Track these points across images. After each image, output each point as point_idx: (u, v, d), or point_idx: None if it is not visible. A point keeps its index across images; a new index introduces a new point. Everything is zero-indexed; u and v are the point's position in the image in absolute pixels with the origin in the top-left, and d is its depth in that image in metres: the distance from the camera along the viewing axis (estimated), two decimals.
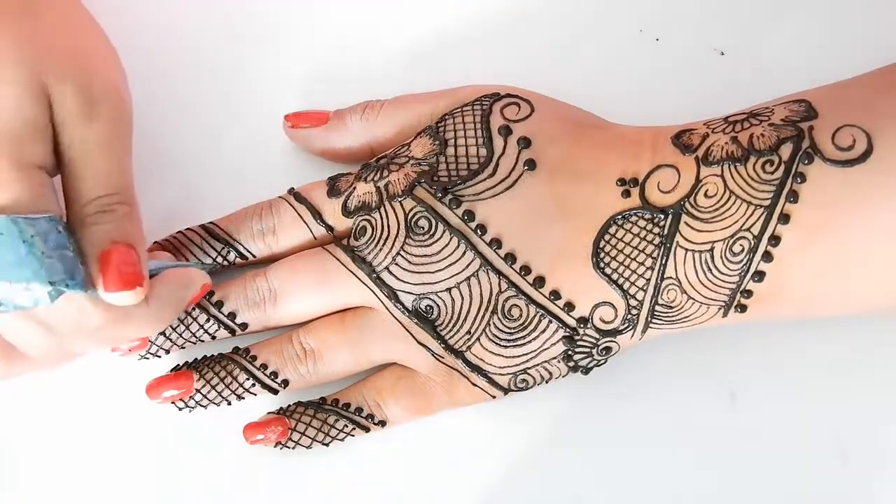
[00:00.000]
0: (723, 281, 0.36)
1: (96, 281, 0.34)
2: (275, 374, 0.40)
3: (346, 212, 0.40)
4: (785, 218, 0.35)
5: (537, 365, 0.38)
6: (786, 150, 0.35)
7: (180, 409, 0.40)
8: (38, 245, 0.33)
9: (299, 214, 0.41)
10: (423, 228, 0.38)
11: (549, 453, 0.41)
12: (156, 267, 0.37)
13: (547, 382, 0.39)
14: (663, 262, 0.37)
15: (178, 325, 0.40)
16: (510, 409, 0.41)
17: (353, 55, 0.45)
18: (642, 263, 0.37)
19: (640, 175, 0.37)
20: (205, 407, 0.40)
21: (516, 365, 0.38)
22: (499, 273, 0.37)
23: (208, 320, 0.40)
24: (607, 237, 0.37)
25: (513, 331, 0.38)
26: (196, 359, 0.41)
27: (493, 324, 0.38)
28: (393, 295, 0.38)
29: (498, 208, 0.38)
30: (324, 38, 0.46)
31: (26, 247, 0.32)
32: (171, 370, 0.41)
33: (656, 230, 0.37)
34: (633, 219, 0.37)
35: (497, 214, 0.38)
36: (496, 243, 0.37)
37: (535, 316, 0.38)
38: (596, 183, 0.38)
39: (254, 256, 0.41)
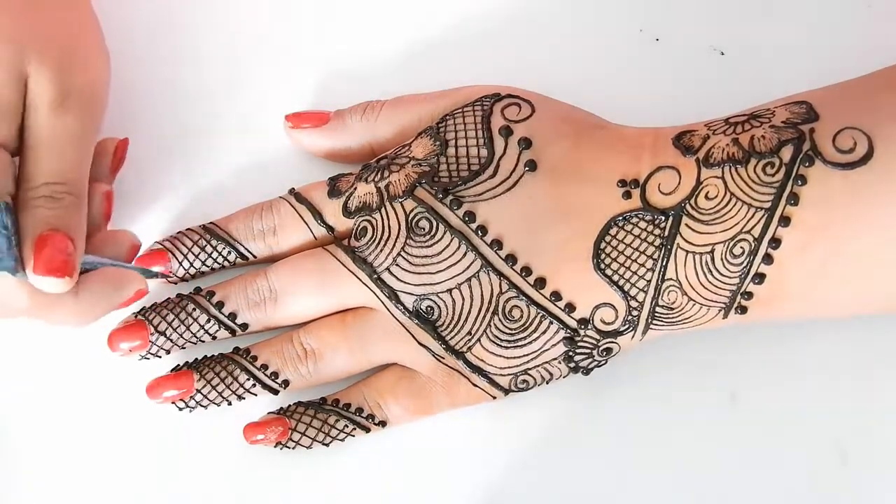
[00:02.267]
0: (723, 283, 0.36)
1: (27, 263, 0.34)
2: (275, 375, 0.40)
3: (347, 212, 0.40)
4: (785, 220, 0.35)
5: (538, 366, 0.38)
6: (787, 153, 0.35)
7: (180, 409, 0.40)
8: None
9: (300, 215, 0.41)
10: (424, 229, 0.38)
11: (549, 453, 0.41)
12: (94, 262, 0.37)
13: (547, 383, 0.39)
14: (664, 263, 0.37)
15: (179, 326, 0.40)
16: (511, 410, 0.41)
17: (353, 55, 0.45)
18: (643, 265, 0.37)
19: (640, 176, 0.37)
20: (205, 407, 0.40)
21: (517, 366, 0.38)
22: (500, 274, 0.37)
23: (209, 321, 0.40)
24: (608, 238, 0.37)
25: (513, 332, 0.38)
26: (196, 359, 0.41)
27: (494, 325, 0.38)
28: (393, 295, 0.38)
29: (499, 209, 0.38)
30: (324, 39, 0.46)
31: None
32: (172, 370, 0.41)
33: (657, 232, 0.37)
34: (634, 220, 0.37)
35: (498, 215, 0.38)
36: (497, 244, 0.37)
37: (535, 317, 0.38)
38: (597, 184, 0.38)
39: (254, 256, 0.41)
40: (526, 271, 0.37)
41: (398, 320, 0.39)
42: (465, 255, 0.38)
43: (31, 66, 0.36)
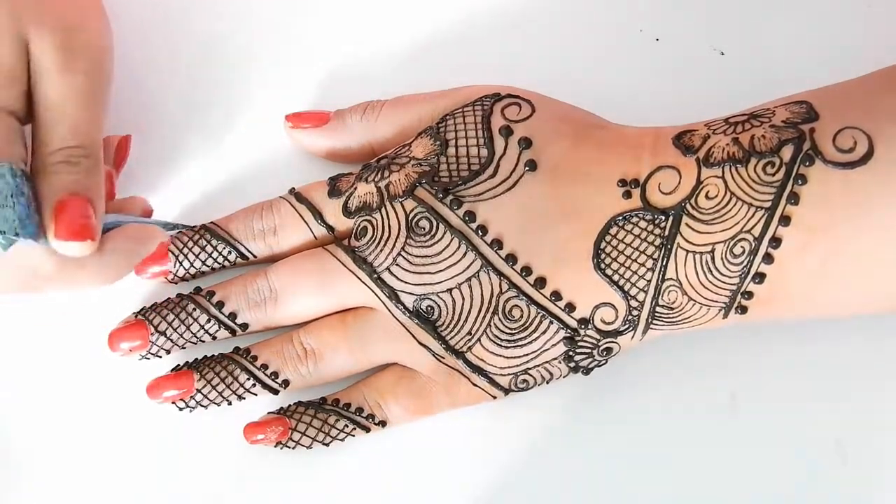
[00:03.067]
0: (723, 282, 0.36)
1: (48, 229, 0.34)
2: (275, 375, 0.40)
3: (347, 212, 0.40)
4: (786, 220, 0.35)
5: (538, 365, 0.38)
6: (787, 152, 0.35)
7: (181, 409, 0.40)
8: None
9: (300, 214, 0.41)
10: (424, 229, 0.38)
11: (549, 453, 0.41)
12: (115, 221, 0.37)
13: (548, 383, 0.39)
14: (664, 263, 0.37)
15: (179, 326, 0.40)
16: (511, 410, 0.41)
17: (353, 55, 0.45)
18: (643, 265, 0.37)
19: (640, 176, 0.37)
20: (205, 407, 0.40)
21: (517, 365, 0.38)
22: (500, 274, 0.37)
23: (209, 321, 0.40)
24: (608, 238, 0.37)
25: (514, 331, 0.38)
26: (196, 359, 0.41)
27: (494, 324, 0.38)
28: (394, 295, 0.38)
29: (499, 209, 0.38)
30: (324, 39, 0.46)
31: None
32: (172, 370, 0.41)
33: (657, 231, 0.37)
34: (634, 220, 0.37)
35: (498, 215, 0.38)
36: (497, 244, 0.37)
37: (535, 317, 0.38)
38: (597, 184, 0.38)
39: (254, 256, 0.41)
40: (526, 271, 0.37)
41: (398, 320, 0.39)
42: (465, 254, 0.38)
43: (30, 31, 0.36)
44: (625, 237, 0.37)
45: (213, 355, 0.41)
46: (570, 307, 0.38)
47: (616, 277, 0.37)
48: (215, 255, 0.41)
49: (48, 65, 0.36)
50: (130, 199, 0.40)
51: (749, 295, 0.37)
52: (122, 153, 0.41)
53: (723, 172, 0.36)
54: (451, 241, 0.38)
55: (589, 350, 0.38)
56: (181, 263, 0.41)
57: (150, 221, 0.39)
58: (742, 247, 0.36)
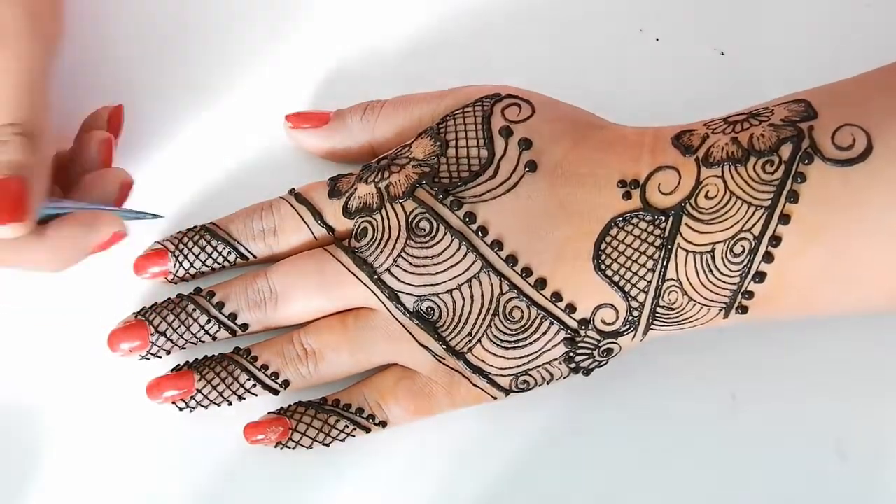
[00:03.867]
0: (724, 282, 0.36)
1: None
2: (276, 375, 0.40)
3: (347, 213, 0.40)
4: (785, 218, 0.35)
5: (539, 366, 0.38)
6: (786, 151, 0.35)
7: (181, 409, 0.40)
8: None
9: (300, 215, 0.41)
10: (425, 230, 0.38)
11: (550, 453, 0.41)
12: (70, 207, 0.37)
13: (548, 383, 0.39)
14: (664, 263, 0.37)
15: (179, 326, 0.40)
16: (511, 410, 0.41)
17: (353, 55, 0.45)
18: (643, 265, 0.37)
19: (640, 177, 0.37)
20: (205, 407, 0.40)
21: (518, 366, 0.38)
22: (500, 275, 0.37)
23: (209, 321, 0.40)
24: (608, 239, 0.37)
25: (514, 332, 0.38)
26: (196, 359, 0.41)
27: (495, 325, 0.38)
28: (394, 296, 0.38)
29: (499, 210, 0.38)
30: (324, 39, 0.46)
31: None
32: (172, 370, 0.41)
33: (657, 232, 0.37)
34: (634, 220, 0.37)
35: (498, 216, 0.38)
36: (497, 245, 0.37)
37: (536, 318, 0.38)
38: (597, 184, 0.38)
39: (254, 257, 0.41)
40: (526, 272, 0.37)
41: (399, 321, 0.39)
42: (465, 255, 0.38)
43: None
44: (625, 238, 0.37)
45: (213, 355, 0.41)
46: (571, 308, 0.38)
47: (616, 278, 0.37)
48: (215, 255, 0.41)
49: None
50: (108, 169, 0.39)
51: (750, 294, 0.37)
52: (115, 122, 0.41)
53: (722, 172, 0.36)
54: (452, 241, 0.38)
55: (589, 351, 0.38)
56: (181, 264, 0.41)
57: (114, 210, 0.38)
58: (742, 246, 0.36)
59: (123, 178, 0.39)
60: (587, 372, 0.39)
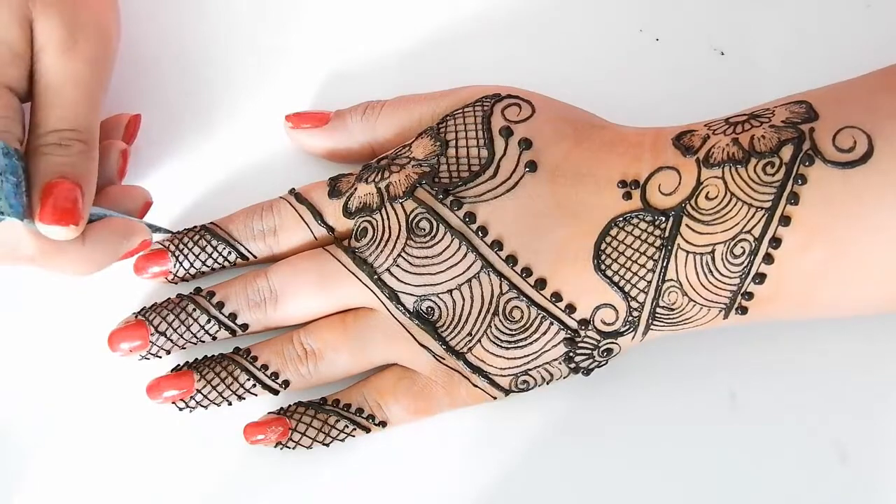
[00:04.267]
0: (724, 283, 0.36)
1: (35, 210, 0.34)
2: (275, 375, 0.40)
3: (347, 213, 0.40)
4: (786, 220, 0.35)
5: (538, 366, 0.38)
6: (787, 152, 0.35)
7: (181, 409, 0.40)
8: None
9: (300, 215, 0.41)
10: (425, 230, 0.38)
11: (550, 453, 0.41)
12: (102, 213, 0.37)
13: (548, 383, 0.39)
14: (664, 264, 0.37)
15: (179, 326, 0.40)
16: (511, 410, 0.41)
17: (353, 55, 0.45)
18: (643, 265, 0.37)
19: (641, 177, 0.37)
20: (205, 407, 0.40)
21: (517, 366, 0.38)
22: (500, 275, 0.37)
23: (209, 321, 0.40)
24: (608, 239, 0.37)
25: (514, 332, 0.38)
26: (196, 359, 0.41)
27: (495, 325, 0.38)
28: (394, 296, 0.38)
29: (499, 210, 0.38)
30: (324, 39, 0.46)
31: None
32: (172, 370, 0.41)
33: (657, 232, 0.37)
34: (635, 221, 0.37)
35: (498, 216, 0.38)
36: (497, 245, 0.37)
37: (536, 318, 0.38)
38: (597, 185, 0.38)
39: (254, 257, 0.41)
40: (526, 272, 0.37)
41: (398, 321, 0.39)
42: (465, 255, 0.38)
43: (35, 8, 0.36)
44: (625, 238, 0.37)
45: (213, 355, 0.41)
46: (571, 308, 0.38)
47: (616, 278, 0.37)
48: (215, 255, 0.41)
49: (51, 45, 0.36)
50: (132, 187, 0.40)
51: (749, 295, 0.37)
52: (131, 130, 0.42)
53: (723, 173, 0.36)
54: (452, 241, 0.38)
55: (589, 351, 0.38)
56: (181, 263, 0.41)
57: (137, 220, 0.39)
58: (742, 247, 0.36)
59: (146, 198, 0.40)
60: (587, 372, 0.39)
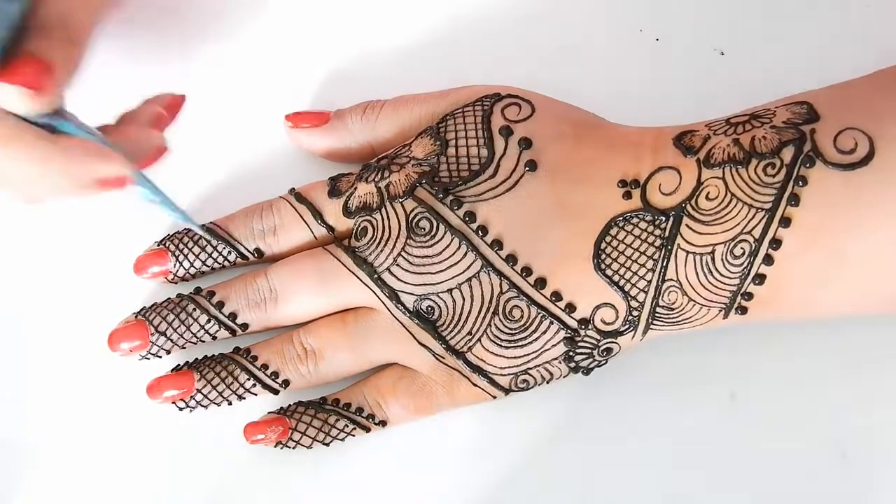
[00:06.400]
0: (723, 283, 0.36)
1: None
2: (275, 374, 0.40)
3: (347, 212, 0.40)
4: (786, 221, 0.35)
5: (538, 366, 0.38)
6: (787, 153, 0.35)
7: (181, 409, 0.40)
8: None
9: (300, 215, 0.41)
10: (425, 229, 0.38)
11: (549, 453, 0.41)
12: (84, 133, 0.35)
13: (548, 383, 0.39)
14: (664, 264, 0.37)
15: (179, 326, 0.40)
16: (511, 410, 0.41)
17: (353, 55, 0.45)
18: (643, 265, 0.37)
19: (641, 177, 0.37)
20: (205, 407, 0.40)
21: (517, 366, 0.38)
22: (500, 274, 0.37)
23: (209, 321, 0.40)
24: (608, 239, 0.37)
25: (514, 332, 0.38)
26: (196, 359, 0.41)
27: (495, 325, 0.38)
28: (394, 295, 0.38)
29: (499, 209, 0.38)
30: (324, 39, 0.46)
31: None
32: (172, 370, 0.41)
33: (657, 232, 0.37)
34: (635, 221, 0.37)
35: (498, 215, 0.38)
36: (497, 244, 0.37)
37: (536, 317, 0.38)
38: (597, 184, 0.38)
39: (254, 256, 0.41)
40: (526, 271, 0.37)
41: (398, 320, 0.39)
42: (465, 255, 0.38)
43: None
44: (625, 238, 0.37)
45: (213, 355, 0.41)
46: (571, 307, 0.38)
47: (616, 278, 0.37)
48: (215, 255, 0.41)
49: None
50: (150, 129, 0.37)
51: (749, 296, 0.37)
52: (173, 110, 0.39)
53: (723, 173, 0.36)
54: (452, 241, 0.38)
55: (589, 350, 0.38)
56: (181, 263, 0.41)
57: (115, 149, 0.35)
58: (742, 248, 0.36)
59: (161, 143, 0.38)
60: (587, 371, 0.39)
